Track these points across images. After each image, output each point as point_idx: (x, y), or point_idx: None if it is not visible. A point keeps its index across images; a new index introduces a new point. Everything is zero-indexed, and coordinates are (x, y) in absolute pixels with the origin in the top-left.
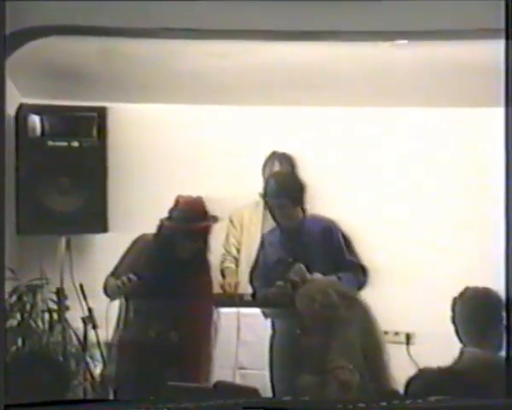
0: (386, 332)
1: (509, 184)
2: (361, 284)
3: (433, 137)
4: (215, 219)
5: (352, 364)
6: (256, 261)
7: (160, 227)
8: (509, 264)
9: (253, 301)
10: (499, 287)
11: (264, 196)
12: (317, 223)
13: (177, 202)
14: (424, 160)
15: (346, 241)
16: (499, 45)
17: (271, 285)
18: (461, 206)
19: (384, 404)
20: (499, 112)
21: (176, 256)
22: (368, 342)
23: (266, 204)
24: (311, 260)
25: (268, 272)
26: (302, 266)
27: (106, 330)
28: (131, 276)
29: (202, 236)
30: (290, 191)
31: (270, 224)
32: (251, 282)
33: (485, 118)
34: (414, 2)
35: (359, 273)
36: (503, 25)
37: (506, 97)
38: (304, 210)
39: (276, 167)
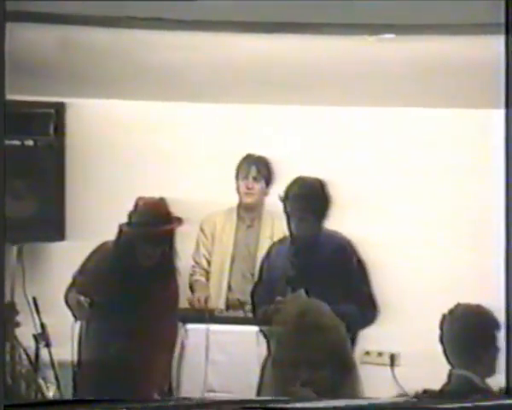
0: (368, 352)
1: (510, 189)
2: (368, 323)
3: (421, 139)
4: (179, 221)
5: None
6: (260, 273)
7: (120, 233)
8: (509, 275)
9: (225, 318)
10: (493, 303)
11: (285, 199)
12: (331, 240)
13: (136, 204)
14: (418, 163)
15: (361, 265)
16: (498, 41)
17: (273, 301)
18: (455, 216)
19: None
20: (498, 113)
21: (137, 264)
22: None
23: (285, 209)
24: (317, 281)
25: (271, 286)
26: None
27: (61, 349)
28: (84, 298)
29: (166, 240)
30: (316, 204)
31: (245, 233)
32: (251, 296)
33: (484, 119)
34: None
35: (368, 309)
36: (502, 20)
37: (506, 97)
38: (322, 226)
39: (253, 172)
